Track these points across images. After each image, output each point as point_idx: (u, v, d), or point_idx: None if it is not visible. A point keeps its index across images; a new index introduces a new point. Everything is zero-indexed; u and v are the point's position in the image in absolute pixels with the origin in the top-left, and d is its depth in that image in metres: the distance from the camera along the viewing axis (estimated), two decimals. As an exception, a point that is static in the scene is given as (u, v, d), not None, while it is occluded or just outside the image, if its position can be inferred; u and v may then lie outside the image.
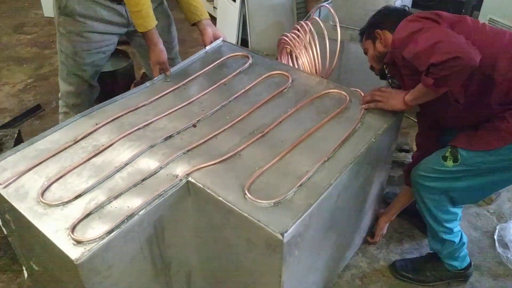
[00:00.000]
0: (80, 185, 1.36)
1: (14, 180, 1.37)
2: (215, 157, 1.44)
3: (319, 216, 1.37)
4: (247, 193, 1.31)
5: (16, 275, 1.87)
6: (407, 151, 2.59)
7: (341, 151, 1.47)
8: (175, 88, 1.78)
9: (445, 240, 1.78)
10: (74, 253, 1.16)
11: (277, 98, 1.71)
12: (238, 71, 1.85)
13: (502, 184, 1.67)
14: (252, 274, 1.44)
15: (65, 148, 1.48)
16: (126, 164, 1.43)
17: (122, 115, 1.63)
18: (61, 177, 1.38)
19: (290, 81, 1.78)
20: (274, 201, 1.29)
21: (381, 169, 1.81)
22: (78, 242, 1.19)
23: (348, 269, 1.95)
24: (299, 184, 1.34)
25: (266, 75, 1.82)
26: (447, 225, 1.75)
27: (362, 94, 1.70)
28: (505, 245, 2.04)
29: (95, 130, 1.56)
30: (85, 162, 1.43)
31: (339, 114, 1.63)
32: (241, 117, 1.61)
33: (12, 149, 1.48)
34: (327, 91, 1.74)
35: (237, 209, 1.28)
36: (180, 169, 1.41)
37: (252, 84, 1.77)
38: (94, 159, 1.45)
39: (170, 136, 1.54)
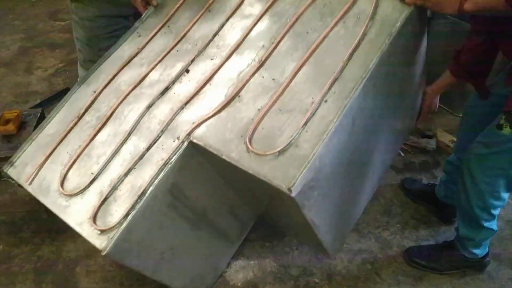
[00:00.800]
0: (92, 167, 1.37)
1: (36, 175, 1.43)
2: (213, 105, 1.33)
3: (333, 152, 1.24)
4: (249, 145, 1.21)
5: (37, 247, 1.97)
6: (429, 136, 2.37)
7: (350, 66, 1.25)
8: (164, 25, 1.60)
9: (483, 227, 1.62)
10: (100, 243, 1.23)
11: (273, 10, 1.46)
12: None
13: None
14: (284, 209, 1.43)
15: (72, 128, 1.48)
16: (130, 134, 1.39)
17: (117, 74, 1.54)
18: (74, 162, 1.40)
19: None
20: (278, 149, 1.18)
21: (415, 58, 1.53)
22: (102, 231, 1.24)
23: (359, 253, 1.87)
24: (303, 122, 1.20)
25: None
26: (493, 212, 1.58)
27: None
28: None
29: (94, 100, 1.51)
30: (92, 139, 1.42)
31: (346, 12, 1.35)
32: (234, 47, 1.42)
33: (27, 139, 1.52)
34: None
35: (242, 166, 1.20)
36: (180, 129, 1.33)
37: (240, 1, 1.51)
38: (99, 135, 1.43)
39: (166, 89, 1.43)
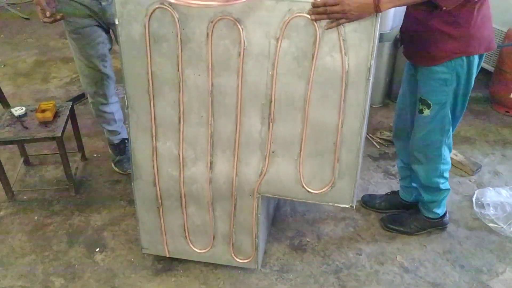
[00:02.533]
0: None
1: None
2: (258, 164, 1.65)
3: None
4: (307, 188, 1.64)
5: (68, 217, 2.30)
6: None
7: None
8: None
9: (442, 189, 1.98)
10: None
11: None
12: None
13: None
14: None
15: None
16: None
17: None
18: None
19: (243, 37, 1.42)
20: (330, 185, 1.62)
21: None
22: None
23: (344, 219, 2.23)
24: (336, 159, 1.57)
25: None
26: (445, 174, 1.96)
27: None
28: (481, 206, 2.29)
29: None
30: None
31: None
32: (239, 110, 1.57)
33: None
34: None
35: (310, 201, 1.69)
36: (248, 188, 1.71)
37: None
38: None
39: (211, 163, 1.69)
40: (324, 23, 1.35)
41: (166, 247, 1.94)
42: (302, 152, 1.58)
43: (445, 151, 1.89)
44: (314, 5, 1.32)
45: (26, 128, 2.30)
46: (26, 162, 2.67)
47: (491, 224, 2.20)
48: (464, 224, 2.22)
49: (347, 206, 1.65)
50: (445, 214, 2.12)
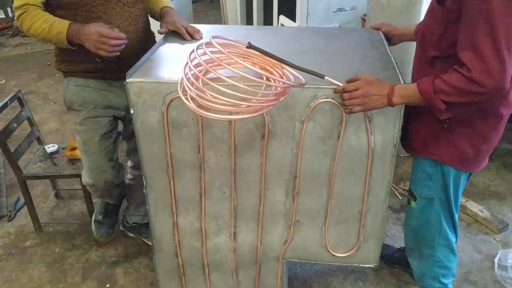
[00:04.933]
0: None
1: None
2: (283, 233, 1.66)
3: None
4: (332, 252, 1.66)
5: (85, 251, 2.36)
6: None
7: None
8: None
9: None
10: None
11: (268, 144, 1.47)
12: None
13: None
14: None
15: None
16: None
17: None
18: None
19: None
20: (355, 248, 1.65)
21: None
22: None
23: (353, 272, 2.15)
24: (362, 225, 1.60)
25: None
26: (443, 280, 1.70)
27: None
28: (504, 268, 2.12)
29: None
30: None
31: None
32: (263, 184, 1.56)
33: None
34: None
35: (335, 263, 1.74)
36: (273, 255, 1.72)
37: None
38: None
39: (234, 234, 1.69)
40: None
41: (189, 311, 1.94)
42: (327, 221, 1.60)
43: (442, 254, 1.64)
44: (335, 92, 1.32)
45: (55, 164, 2.41)
46: (57, 195, 2.78)
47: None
48: (483, 287, 2.09)
49: (371, 266, 1.69)
50: None
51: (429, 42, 1.38)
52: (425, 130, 1.45)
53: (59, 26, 1.59)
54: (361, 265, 1.70)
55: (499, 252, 2.22)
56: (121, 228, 2.39)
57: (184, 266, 1.79)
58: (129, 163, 2.24)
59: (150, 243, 2.30)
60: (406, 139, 1.53)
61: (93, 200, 2.35)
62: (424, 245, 1.66)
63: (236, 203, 1.61)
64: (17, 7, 1.62)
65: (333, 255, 1.67)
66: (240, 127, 1.44)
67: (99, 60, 1.70)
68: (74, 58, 1.75)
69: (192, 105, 1.24)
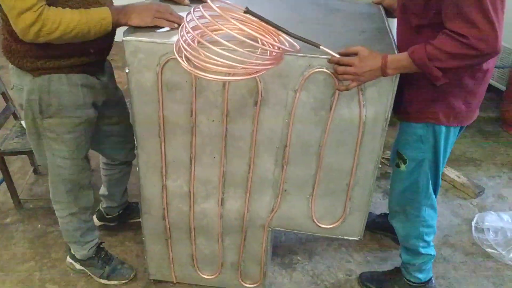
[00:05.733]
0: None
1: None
2: (270, 202, 1.68)
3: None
4: (318, 223, 1.69)
5: None
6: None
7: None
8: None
9: (421, 253, 1.79)
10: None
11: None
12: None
13: None
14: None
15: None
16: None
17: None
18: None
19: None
20: (340, 221, 1.68)
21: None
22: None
23: (336, 240, 2.20)
24: (348, 198, 1.62)
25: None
26: (427, 238, 1.77)
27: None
28: (480, 230, 2.25)
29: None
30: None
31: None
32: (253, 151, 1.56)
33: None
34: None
35: (320, 234, 1.78)
36: (259, 222, 1.74)
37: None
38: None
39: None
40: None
41: (173, 274, 1.97)
42: (314, 192, 1.62)
43: (427, 213, 1.72)
44: (329, 61, 1.33)
45: None
46: (36, 171, 2.73)
47: (489, 250, 2.16)
48: (461, 249, 2.20)
49: (355, 238, 1.72)
50: (429, 280, 1.90)
51: (412, 11, 1.40)
52: (421, 96, 1.48)
53: (97, 13, 1.39)
54: (345, 237, 1.73)
55: (476, 215, 2.35)
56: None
57: (171, 229, 1.81)
58: (102, 160, 2.11)
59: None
60: (399, 106, 1.54)
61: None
62: (410, 207, 1.72)
63: (226, 170, 1.62)
64: (25, 9, 1.28)
65: (318, 226, 1.70)
66: (233, 92, 1.44)
67: (92, 51, 1.55)
68: (62, 53, 1.49)
69: (187, 65, 1.24)
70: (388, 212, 2.05)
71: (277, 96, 1.43)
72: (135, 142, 1.61)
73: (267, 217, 1.72)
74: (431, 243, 1.81)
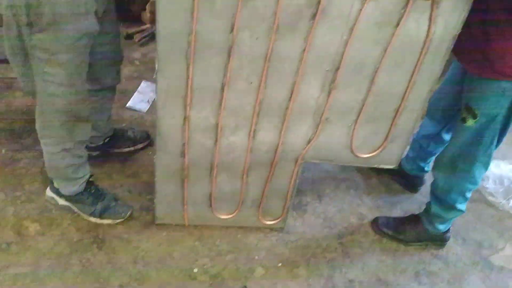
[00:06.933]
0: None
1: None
2: (308, 132, 1.52)
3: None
4: (355, 153, 1.57)
5: (41, 154, 1.79)
6: None
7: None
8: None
9: (456, 208, 1.74)
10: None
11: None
12: None
13: None
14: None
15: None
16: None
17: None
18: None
19: None
20: (380, 149, 1.57)
21: None
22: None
23: (344, 181, 2.14)
24: (393, 124, 1.50)
25: None
26: (467, 195, 1.72)
27: None
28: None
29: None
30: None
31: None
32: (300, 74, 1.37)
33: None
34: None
35: (353, 164, 1.72)
36: (292, 155, 1.59)
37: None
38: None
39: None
40: None
41: (185, 216, 1.79)
42: (358, 119, 1.49)
43: (478, 170, 1.64)
44: None
45: None
46: None
47: (490, 198, 2.14)
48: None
49: (391, 167, 1.64)
50: (448, 230, 1.89)
51: None
52: None
53: None
54: (381, 166, 1.64)
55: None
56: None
57: (189, 167, 1.60)
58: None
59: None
60: (470, 59, 1.45)
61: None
62: (463, 161, 1.63)
63: (263, 97, 1.42)
64: None
65: (356, 155, 1.59)
66: (288, 3, 1.21)
67: None
68: None
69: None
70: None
71: (340, 8, 1.23)
72: (155, 65, 1.34)
73: (302, 149, 1.57)
74: (468, 199, 1.75)
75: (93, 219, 1.78)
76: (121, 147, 2.04)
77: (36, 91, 1.41)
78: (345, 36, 1.28)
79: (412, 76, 1.38)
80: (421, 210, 1.96)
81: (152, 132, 2.18)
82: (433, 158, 1.95)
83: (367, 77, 1.39)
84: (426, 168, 2.08)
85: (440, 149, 1.90)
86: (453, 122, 1.79)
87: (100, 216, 1.77)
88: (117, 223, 1.79)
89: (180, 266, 1.70)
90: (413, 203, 2.12)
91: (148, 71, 2.64)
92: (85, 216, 1.78)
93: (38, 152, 1.99)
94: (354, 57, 1.33)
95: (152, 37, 2.86)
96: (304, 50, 1.31)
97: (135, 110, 2.36)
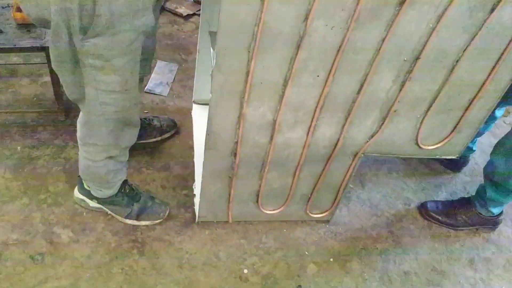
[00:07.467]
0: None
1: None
2: (373, 125, 1.40)
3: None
4: (421, 145, 1.46)
5: (61, 149, 1.85)
6: None
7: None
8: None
9: None
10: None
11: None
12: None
13: None
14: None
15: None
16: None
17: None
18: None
19: None
20: (446, 140, 1.46)
21: None
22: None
23: (384, 163, 2.04)
24: (461, 115, 1.38)
25: None
26: None
27: None
28: None
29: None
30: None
31: None
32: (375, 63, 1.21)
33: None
34: None
35: (415, 157, 1.68)
36: (352, 149, 1.48)
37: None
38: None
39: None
40: None
41: (229, 213, 1.67)
42: (429, 110, 1.36)
43: None
44: None
45: (1, 32, 1.70)
46: None
47: None
48: None
49: (453, 157, 1.54)
50: (501, 213, 1.83)
51: None
52: None
53: None
54: (443, 156, 1.53)
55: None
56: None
57: (239, 165, 1.46)
58: None
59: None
60: None
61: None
62: None
63: (329, 90, 1.27)
64: None
65: (420, 147, 1.48)
66: (375, -13, 1.05)
67: None
68: None
69: None
70: None
71: (432, -8, 1.07)
72: (212, 60, 1.17)
73: (364, 143, 1.45)
74: None
75: (129, 222, 1.64)
76: (147, 137, 1.88)
77: (85, 99, 1.23)
78: (431, 23, 1.13)
79: (495, 65, 1.25)
80: (466, 191, 1.89)
81: (177, 119, 2.02)
82: (479, 138, 1.88)
83: (446, 66, 1.25)
84: (474, 148, 2.00)
85: (489, 127, 1.86)
86: (508, 100, 1.67)
87: (137, 218, 1.63)
88: (155, 224, 1.66)
89: (228, 267, 1.60)
90: (458, 183, 2.05)
91: (162, 49, 2.42)
92: (120, 219, 1.64)
93: (57, 147, 1.85)
94: (436, 46, 1.19)
95: (161, 9, 2.61)
96: (383, 40, 1.16)
97: (155, 94, 2.17)
